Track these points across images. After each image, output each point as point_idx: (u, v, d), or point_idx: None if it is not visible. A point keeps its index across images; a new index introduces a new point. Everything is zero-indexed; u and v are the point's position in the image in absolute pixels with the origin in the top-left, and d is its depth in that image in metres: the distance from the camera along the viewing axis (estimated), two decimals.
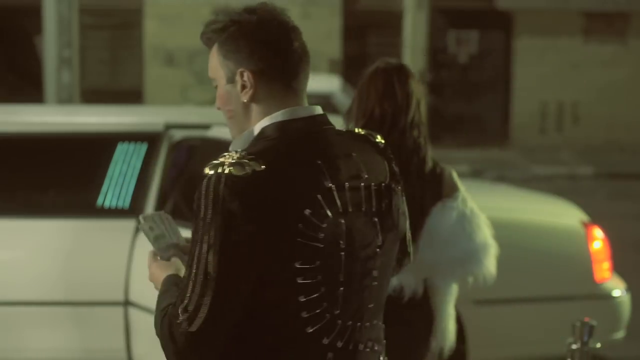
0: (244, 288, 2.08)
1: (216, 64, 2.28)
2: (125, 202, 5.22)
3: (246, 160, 2.08)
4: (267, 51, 2.20)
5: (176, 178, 5.32)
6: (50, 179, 5.40)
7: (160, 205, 5.19)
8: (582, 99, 17.98)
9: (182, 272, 2.28)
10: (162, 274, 2.32)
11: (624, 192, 13.79)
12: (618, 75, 17.90)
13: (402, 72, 3.61)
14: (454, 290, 3.72)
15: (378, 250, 2.23)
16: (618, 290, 5.62)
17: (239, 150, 2.14)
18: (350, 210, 2.17)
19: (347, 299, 2.17)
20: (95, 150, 5.42)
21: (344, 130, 2.35)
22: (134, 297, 5.00)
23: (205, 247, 2.06)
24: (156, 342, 5.16)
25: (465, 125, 18.09)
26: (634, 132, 17.73)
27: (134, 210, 5.17)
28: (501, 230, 5.68)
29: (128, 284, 5.02)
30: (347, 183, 2.17)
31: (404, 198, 2.36)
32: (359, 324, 2.21)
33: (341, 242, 2.14)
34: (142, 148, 5.32)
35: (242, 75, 2.21)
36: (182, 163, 5.42)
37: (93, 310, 5.10)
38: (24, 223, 5.23)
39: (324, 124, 2.24)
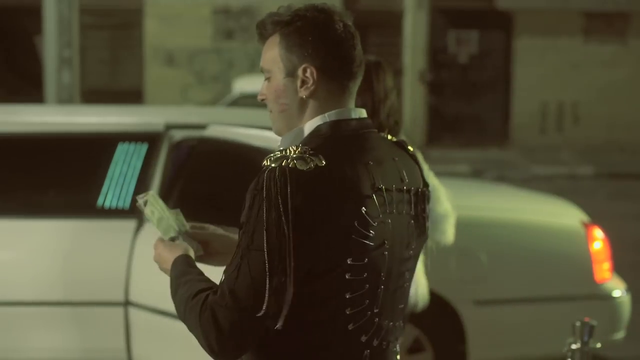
0: (294, 280, 2.10)
1: (275, 56, 2.25)
2: (125, 202, 5.22)
3: (308, 155, 2.11)
4: (333, 50, 2.23)
5: (176, 178, 5.32)
6: (50, 179, 5.40)
7: None
8: (582, 99, 17.97)
9: (191, 252, 2.33)
10: (170, 255, 2.34)
11: (624, 192, 13.79)
12: (618, 75, 17.89)
13: (379, 68, 4.29)
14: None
15: (411, 252, 2.30)
16: (618, 290, 5.62)
17: (298, 145, 2.16)
18: (394, 212, 2.22)
19: (385, 298, 2.22)
20: (95, 150, 5.42)
21: (382, 135, 2.39)
22: (134, 297, 5.00)
23: (261, 237, 2.08)
24: (156, 342, 5.11)
25: (465, 125, 18.09)
26: (634, 132, 17.73)
27: (134, 210, 5.17)
28: (501, 230, 5.70)
29: (128, 284, 5.02)
30: (393, 185, 2.23)
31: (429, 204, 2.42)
32: (391, 323, 2.26)
33: (386, 241, 2.19)
34: (143, 148, 5.32)
35: (305, 71, 2.23)
36: (183, 163, 5.42)
37: (93, 311, 5.09)
38: (25, 223, 5.23)
39: (370, 127, 2.29)
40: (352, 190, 2.14)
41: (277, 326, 2.13)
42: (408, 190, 2.28)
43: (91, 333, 5.08)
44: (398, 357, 2.36)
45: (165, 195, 5.23)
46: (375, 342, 2.22)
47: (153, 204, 2.48)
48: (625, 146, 17.48)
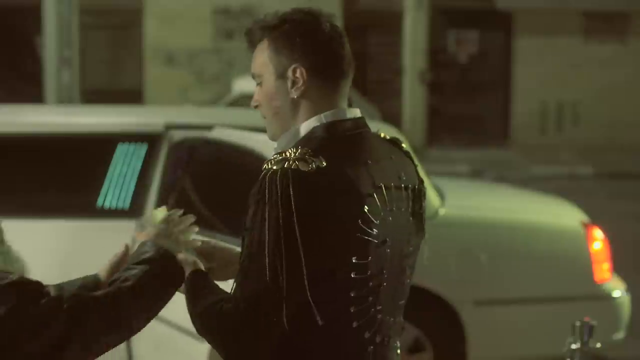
0: (301, 282, 2.11)
1: (264, 60, 2.28)
2: (125, 202, 5.22)
3: (308, 157, 2.13)
4: (322, 50, 2.26)
5: (176, 179, 5.32)
6: (50, 179, 5.40)
7: (160, 205, 5.19)
8: (582, 99, 17.97)
9: (201, 266, 2.33)
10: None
11: (624, 192, 13.79)
12: (618, 75, 17.89)
13: None
14: None
15: (411, 248, 2.33)
16: (618, 290, 5.62)
17: (297, 147, 2.17)
18: (394, 209, 2.25)
19: (387, 294, 2.25)
20: (95, 150, 5.42)
21: (376, 134, 2.41)
22: None
23: (267, 239, 2.09)
24: (156, 342, 5.11)
25: (465, 125, 18.08)
26: (634, 132, 17.72)
27: (134, 211, 5.17)
28: (501, 230, 5.70)
29: None
30: (392, 183, 2.25)
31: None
32: (392, 319, 2.29)
33: (388, 239, 2.22)
34: (142, 148, 5.33)
35: (294, 71, 2.25)
36: (183, 164, 5.42)
37: None
38: (24, 224, 5.23)
39: (364, 126, 2.31)
40: (354, 189, 2.16)
41: (284, 326, 2.13)
42: (406, 188, 2.31)
43: None
44: (399, 351, 2.38)
45: (166, 196, 5.23)
46: (378, 339, 2.24)
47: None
48: (625, 146, 17.48)
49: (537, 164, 16.08)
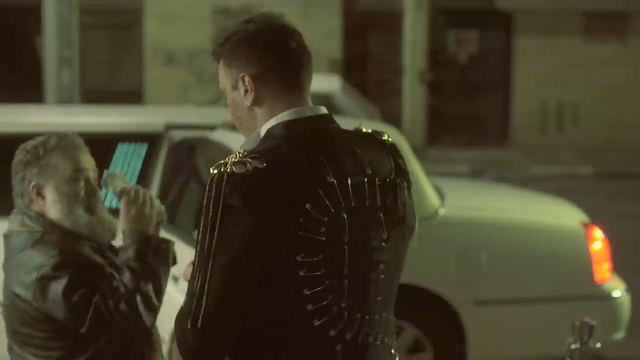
0: (248, 282, 2.15)
1: (222, 75, 2.37)
2: None
3: (249, 159, 2.17)
4: (263, 54, 2.29)
5: (176, 179, 5.32)
6: None
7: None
8: (582, 99, 17.97)
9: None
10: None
11: (624, 192, 13.79)
12: (618, 75, 17.89)
13: None
14: None
15: (384, 244, 2.29)
16: (618, 290, 5.62)
17: (245, 150, 2.23)
18: (353, 205, 2.23)
19: (353, 291, 2.23)
20: (95, 151, 5.41)
21: (351, 129, 2.41)
22: None
23: (208, 243, 2.15)
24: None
25: (465, 125, 18.08)
26: (634, 132, 17.73)
27: None
28: (501, 231, 5.70)
29: None
30: (349, 179, 2.24)
31: (411, 193, 2.42)
32: (367, 316, 2.27)
33: (344, 235, 2.21)
34: (143, 149, 5.33)
35: (243, 80, 2.30)
36: (183, 164, 5.42)
37: None
38: None
39: (328, 122, 2.32)
40: (295, 188, 2.18)
41: (236, 329, 2.17)
42: (371, 182, 2.28)
43: None
44: (393, 351, 2.36)
45: (166, 196, 5.23)
46: (348, 336, 2.23)
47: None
48: (625, 146, 17.48)
49: (537, 164, 16.08)
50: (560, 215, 6.05)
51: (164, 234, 5.10)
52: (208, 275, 2.14)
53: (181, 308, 2.21)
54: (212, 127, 5.23)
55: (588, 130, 17.89)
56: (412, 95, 17.92)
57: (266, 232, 2.14)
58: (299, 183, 2.19)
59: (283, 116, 2.28)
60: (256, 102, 2.30)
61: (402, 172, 2.38)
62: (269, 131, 2.28)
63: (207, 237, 2.15)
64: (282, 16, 2.34)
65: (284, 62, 2.30)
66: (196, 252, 2.19)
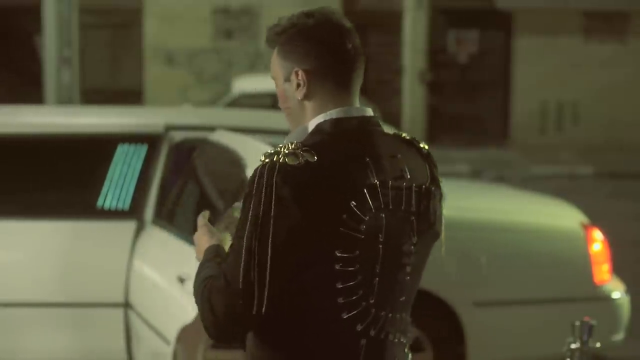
0: (285, 269, 2.21)
1: (275, 65, 2.41)
2: (125, 203, 5.22)
3: (300, 151, 2.23)
4: (320, 51, 2.34)
5: (176, 179, 5.32)
6: (50, 180, 5.40)
7: (160, 206, 5.19)
8: (582, 99, 17.97)
9: (227, 244, 2.45)
10: (205, 243, 2.46)
11: (624, 192, 13.79)
12: (618, 75, 17.89)
13: None
14: None
15: (413, 248, 2.36)
16: (617, 292, 5.61)
17: (296, 142, 2.27)
18: (390, 207, 2.30)
19: (381, 289, 2.30)
20: (95, 151, 5.42)
21: (392, 132, 2.48)
22: (133, 299, 5.00)
23: (252, 227, 2.20)
24: (156, 343, 5.11)
25: (465, 125, 18.09)
26: (634, 132, 17.73)
27: (134, 211, 5.18)
28: (501, 232, 5.70)
29: (128, 286, 5.02)
30: (390, 181, 2.31)
31: (442, 203, 2.48)
32: (390, 314, 2.33)
33: (380, 235, 2.28)
34: (143, 149, 5.33)
35: (297, 75, 2.36)
36: (183, 165, 5.42)
37: (93, 312, 5.10)
38: (24, 224, 5.23)
39: (374, 124, 2.38)
40: (342, 184, 2.24)
41: (264, 311, 2.21)
42: (409, 187, 2.34)
43: (91, 334, 5.09)
44: (406, 350, 2.42)
45: (166, 197, 5.24)
46: (372, 332, 2.29)
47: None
48: (625, 146, 17.48)
49: (537, 163, 16.08)
50: (559, 216, 6.05)
51: (164, 233, 5.11)
52: (247, 257, 2.19)
53: (206, 281, 2.27)
54: (212, 128, 5.23)
55: (588, 130, 17.89)
56: (412, 95, 17.92)
57: (310, 225, 2.19)
58: (347, 180, 2.25)
59: (332, 113, 2.33)
60: (307, 97, 2.36)
61: (436, 181, 2.45)
62: (317, 126, 2.33)
63: (252, 223, 2.19)
64: (341, 15, 2.39)
65: (339, 62, 2.36)
66: (238, 232, 2.23)
